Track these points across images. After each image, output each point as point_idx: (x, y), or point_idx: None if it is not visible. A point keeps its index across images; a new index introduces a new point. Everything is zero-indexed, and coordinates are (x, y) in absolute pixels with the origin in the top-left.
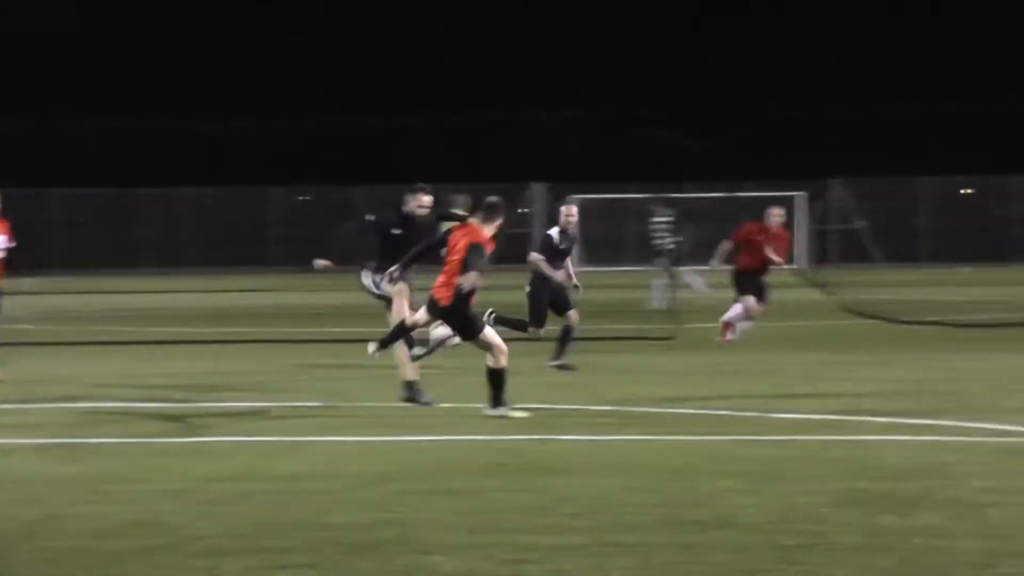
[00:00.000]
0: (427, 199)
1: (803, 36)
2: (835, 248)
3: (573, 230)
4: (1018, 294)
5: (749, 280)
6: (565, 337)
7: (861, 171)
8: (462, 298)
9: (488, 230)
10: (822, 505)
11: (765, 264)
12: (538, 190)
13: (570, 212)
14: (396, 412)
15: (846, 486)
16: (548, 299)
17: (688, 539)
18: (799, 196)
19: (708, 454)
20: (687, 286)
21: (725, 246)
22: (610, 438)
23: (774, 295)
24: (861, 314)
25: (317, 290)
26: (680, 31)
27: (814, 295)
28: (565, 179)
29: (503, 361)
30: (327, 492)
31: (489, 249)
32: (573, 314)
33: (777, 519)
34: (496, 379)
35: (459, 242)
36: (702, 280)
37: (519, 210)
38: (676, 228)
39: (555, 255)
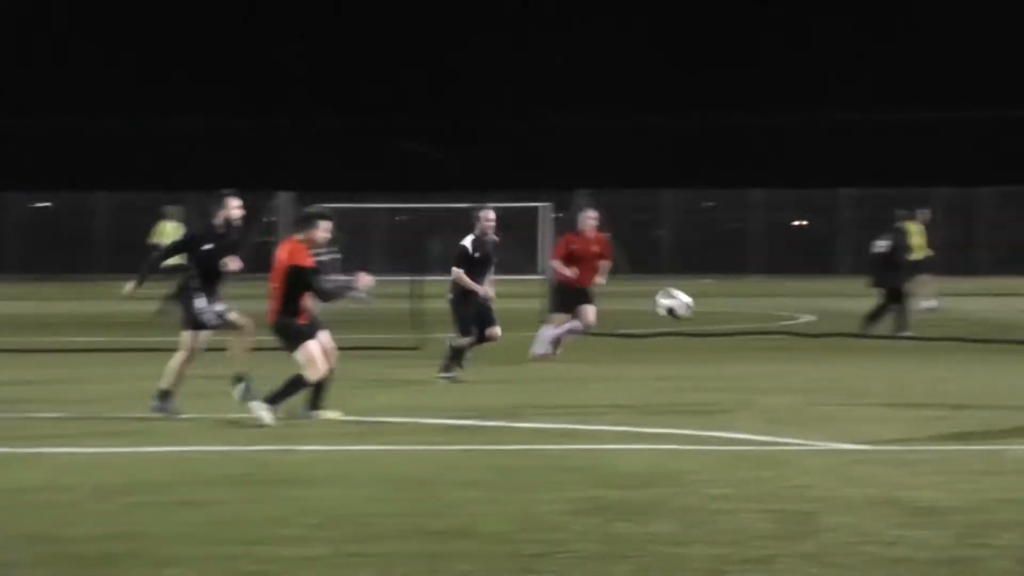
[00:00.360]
0: (236, 203)
1: (543, 51)
2: None
3: (491, 237)
4: (755, 305)
5: (572, 295)
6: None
7: (606, 183)
8: (289, 314)
9: (308, 242)
10: (561, 513)
11: (591, 274)
12: (284, 199)
13: (487, 218)
14: (140, 422)
15: (584, 495)
16: (474, 310)
17: (430, 548)
18: (544, 207)
19: (450, 464)
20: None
21: (555, 265)
22: (353, 448)
23: (510, 307)
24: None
25: (55, 299)
26: (435, 41)
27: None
28: (314, 188)
29: (312, 377)
30: (63, 504)
31: (305, 262)
32: (495, 331)
33: (517, 528)
34: (293, 386)
35: (281, 262)
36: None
37: (264, 219)
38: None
39: (473, 265)
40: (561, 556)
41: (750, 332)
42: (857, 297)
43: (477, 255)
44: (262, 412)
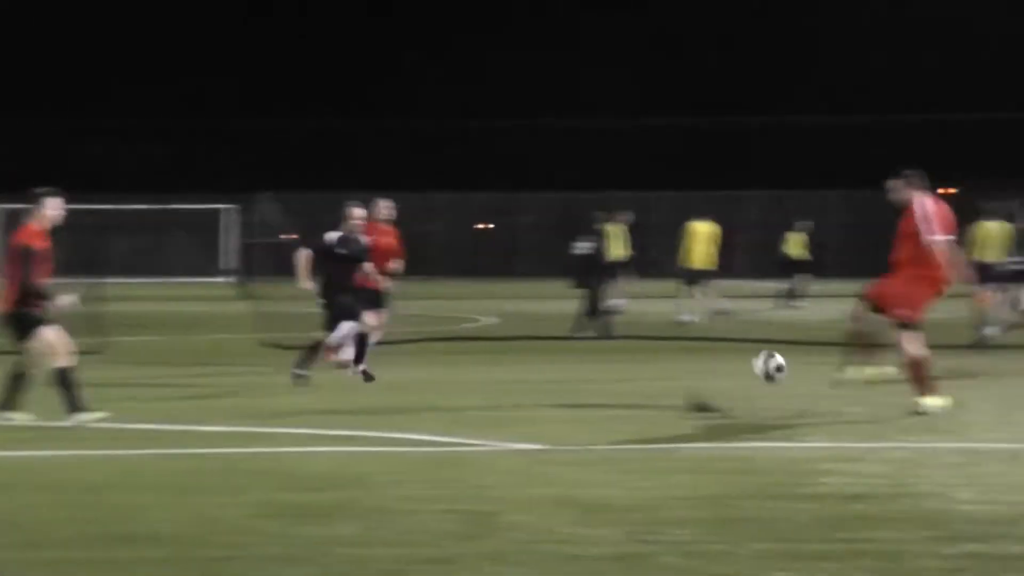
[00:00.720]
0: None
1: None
2: (264, 260)
3: (360, 234)
4: (439, 307)
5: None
6: (316, 348)
7: (288, 185)
8: (25, 303)
9: (36, 225)
10: (243, 517)
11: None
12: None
13: (352, 216)
14: None
15: (267, 498)
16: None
17: (111, 554)
18: (227, 209)
19: (126, 469)
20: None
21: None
22: (26, 454)
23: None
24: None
25: None
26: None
27: (243, 307)
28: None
29: (63, 361)
30: None
31: (37, 245)
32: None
33: (199, 532)
34: (63, 380)
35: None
36: None
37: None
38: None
39: (333, 260)
40: (244, 559)
41: (436, 338)
42: (540, 299)
43: (341, 251)
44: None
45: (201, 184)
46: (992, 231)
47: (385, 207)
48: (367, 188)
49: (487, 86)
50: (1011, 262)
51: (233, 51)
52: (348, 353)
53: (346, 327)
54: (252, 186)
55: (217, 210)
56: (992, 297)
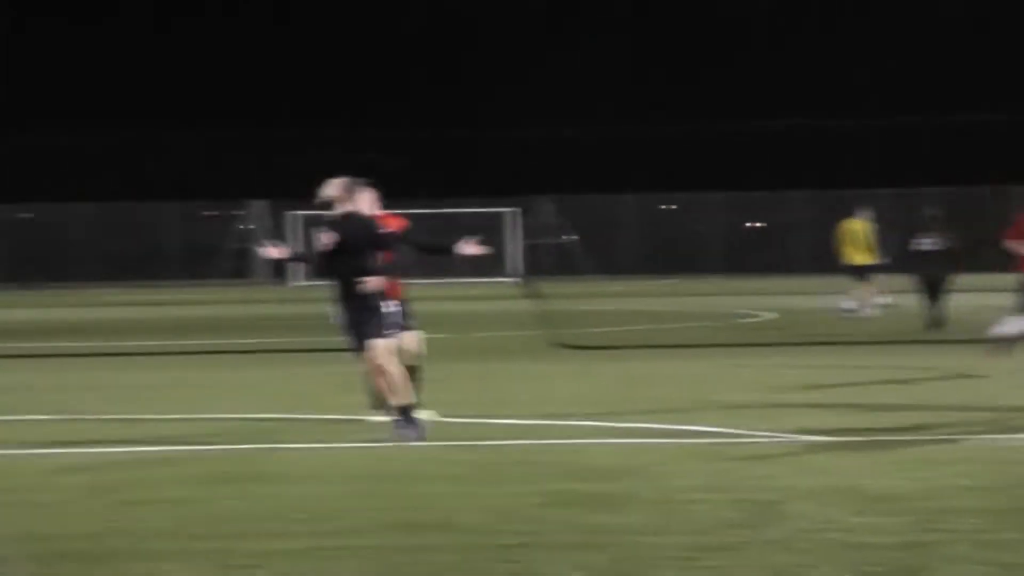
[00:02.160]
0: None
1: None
2: (545, 261)
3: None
4: (714, 304)
5: None
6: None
7: (567, 189)
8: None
9: None
10: (537, 506)
11: None
12: (258, 207)
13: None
14: (126, 424)
15: (559, 487)
16: None
17: (411, 541)
18: (511, 212)
19: (426, 459)
20: None
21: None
22: (332, 446)
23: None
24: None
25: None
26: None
27: (527, 306)
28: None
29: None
30: (53, 503)
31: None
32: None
33: (495, 520)
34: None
35: None
36: None
37: (240, 227)
38: None
39: None
40: (539, 547)
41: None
42: (812, 295)
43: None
44: None
45: (482, 189)
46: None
47: None
48: (640, 189)
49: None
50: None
51: (523, 60)
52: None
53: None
54: (531, 190)
55: (500, 213)
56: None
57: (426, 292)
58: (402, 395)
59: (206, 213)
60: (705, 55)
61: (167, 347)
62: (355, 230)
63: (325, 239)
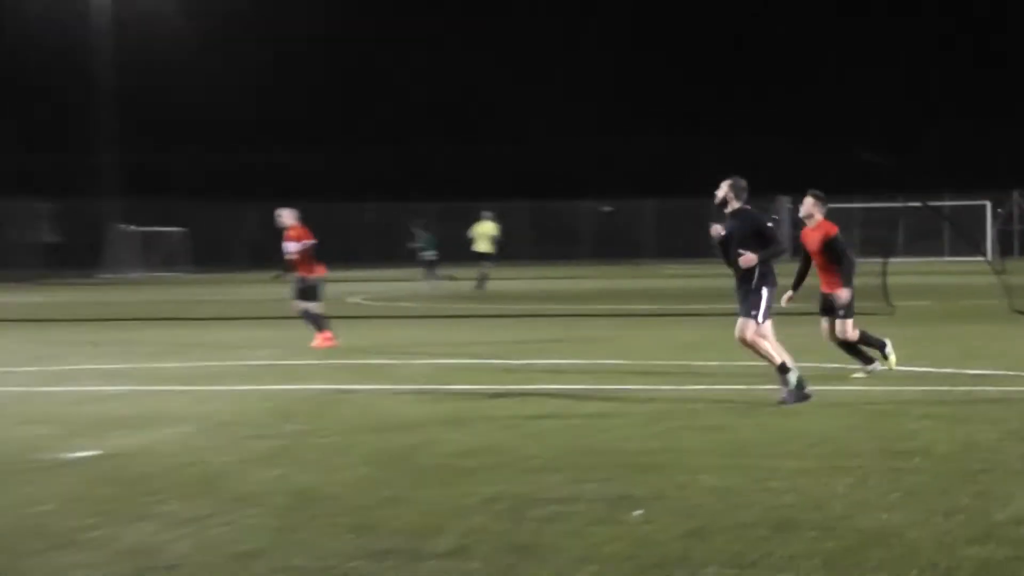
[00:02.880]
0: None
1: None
2: (1018, 245)
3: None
4: None
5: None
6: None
7: None
8: None
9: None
10: (996, 440)
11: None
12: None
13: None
14: (679, 368)
15: (1017, 427)
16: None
17: (895, 464)
18: (985, 204)
19: (912, 400)
20: None
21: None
22: (831, 388)
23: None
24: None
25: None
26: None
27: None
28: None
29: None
30: (620, 427)
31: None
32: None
33: (962, 450)
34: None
35: None
36: None
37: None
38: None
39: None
40: (999, 472)
41: None
42: None
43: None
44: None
45: (965, 183)
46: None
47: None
48: None
49: None
50: None
51: None
52: None
53: None
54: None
55: (982, 205)
56: None
57: (918, 267)
58: (775, 359)
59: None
60: None
61: (702, 310)
62: (741, 223)
63: (715, 231)
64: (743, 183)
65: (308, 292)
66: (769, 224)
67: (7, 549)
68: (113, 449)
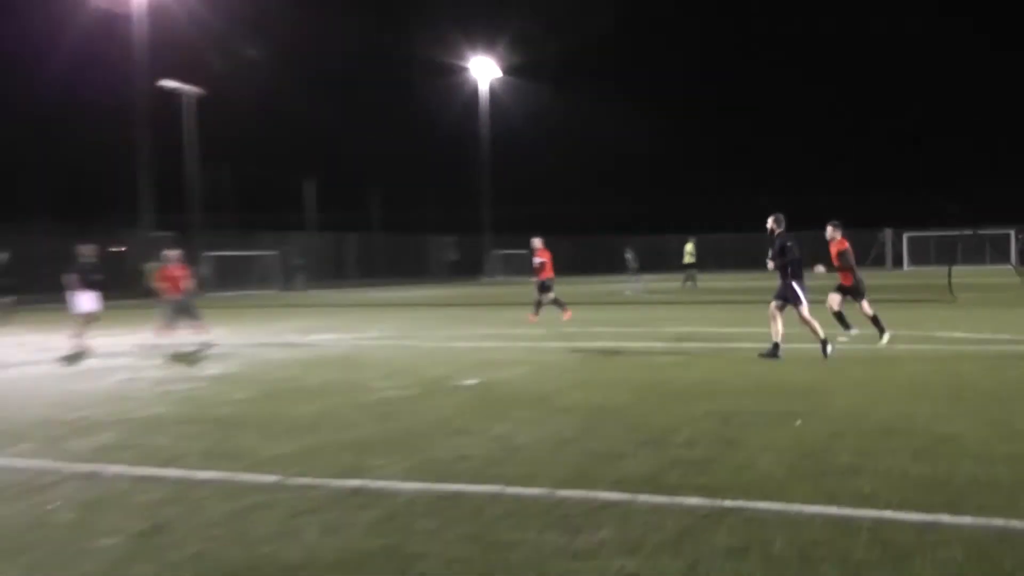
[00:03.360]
0: None
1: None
2: None
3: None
4: None
5: None
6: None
7: None
8: None
9: None
10: (1020, 377)
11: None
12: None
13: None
14: (830, 335)
15: None
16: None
17: (956, 394)
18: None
19: (963, 355)
20: None
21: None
22: (915, 347)
23: None
24: None
25: None
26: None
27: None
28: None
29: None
30: (790, 370)
31: None
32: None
33: (999, 385)
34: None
35: None
36: None
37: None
38: None
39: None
40: (1022, 399)
41: None
42: None
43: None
44: None
45: (997, 218)
46: None
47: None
48: None
49: None
50: None
51: None
52: None
53: None
54: None
55: (1007, 233)
56: None
57: (969, 272)
58: (819, 331)
59: None
60: None
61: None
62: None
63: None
64: (779, 216)
65: (544, 287)
66: (789, 244)
67: (425, 435)
68: (486, 379)
